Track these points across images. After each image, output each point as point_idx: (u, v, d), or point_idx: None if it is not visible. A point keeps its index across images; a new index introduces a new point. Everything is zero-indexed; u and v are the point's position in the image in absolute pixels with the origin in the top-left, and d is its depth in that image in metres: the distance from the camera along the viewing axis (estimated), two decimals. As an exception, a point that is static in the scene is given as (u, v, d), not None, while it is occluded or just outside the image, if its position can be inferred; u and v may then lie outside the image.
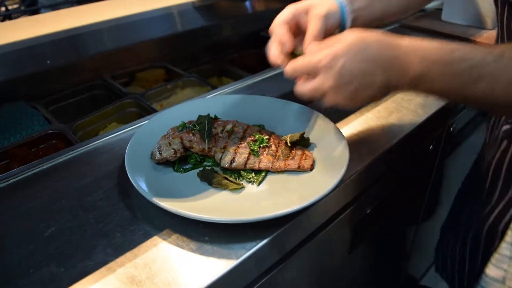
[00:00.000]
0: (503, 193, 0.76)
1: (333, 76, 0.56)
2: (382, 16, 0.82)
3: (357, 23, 0.74)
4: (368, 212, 0.84)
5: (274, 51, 0.67)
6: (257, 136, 0.69)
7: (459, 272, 0.87)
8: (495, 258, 0.74)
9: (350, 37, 0.57)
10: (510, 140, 0.74)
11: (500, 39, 0.74)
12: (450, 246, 0.89)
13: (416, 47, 0.56)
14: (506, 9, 0.69)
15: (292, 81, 0.99)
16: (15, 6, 1.85)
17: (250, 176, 0.65)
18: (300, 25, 0.71)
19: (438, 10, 1.37)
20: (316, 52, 0.58)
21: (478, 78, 0.52)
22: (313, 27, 0.67)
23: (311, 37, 0.66)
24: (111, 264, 0.53)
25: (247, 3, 1.47)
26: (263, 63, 1.18)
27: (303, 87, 0.60)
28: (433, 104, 0.89)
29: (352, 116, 0.84)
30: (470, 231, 0.83)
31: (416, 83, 0.56)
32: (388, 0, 0.80)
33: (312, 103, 0.81)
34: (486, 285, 0.76)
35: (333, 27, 0.71)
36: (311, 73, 0.59)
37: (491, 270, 0.74)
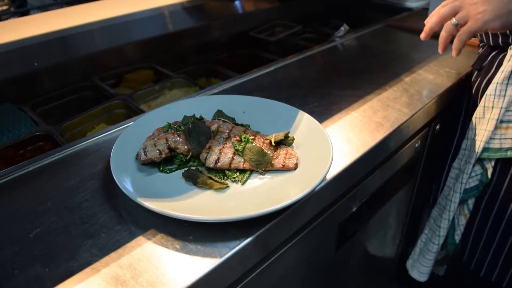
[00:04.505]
0: None
1: None
2: None
3: None
4: (354, 210, 0.85)
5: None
6: (242, 136, 0.70)
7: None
8: None
9: None
10: None
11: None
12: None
13: None
14: None
15: (275, 82, 1.00)
16: (5, 7, 1.84)
17: (235, 175, 0.66)
18: None
19: (425, 10, 1.39)
20: None
21: None
22: None
23: None
24: (96, 264, 0.53)
25: (236, 4, 1.48)
26: (252, 63, 1.19)
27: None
28: (418, 103, 0.90)
29: (337, 115, 0.85)
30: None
31: None
32: None
33: (298, 104, 0.82)
34: None
35: None
36: None
37: None
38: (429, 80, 1.00)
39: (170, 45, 1.32)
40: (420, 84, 0.99)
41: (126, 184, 0.61)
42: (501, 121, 0.84)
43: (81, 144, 0.77)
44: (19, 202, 0.64)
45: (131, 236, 0.57)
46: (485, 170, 0.89)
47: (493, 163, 0.88)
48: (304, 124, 0.76)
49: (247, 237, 0.57)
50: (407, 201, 1.18)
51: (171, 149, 0.68)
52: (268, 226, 0.59)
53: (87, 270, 0.53)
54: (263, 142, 0.70)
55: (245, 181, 0.65)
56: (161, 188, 0.63)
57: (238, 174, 0.66)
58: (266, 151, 0.68)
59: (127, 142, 0.71)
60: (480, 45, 1.00)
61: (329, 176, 0.68)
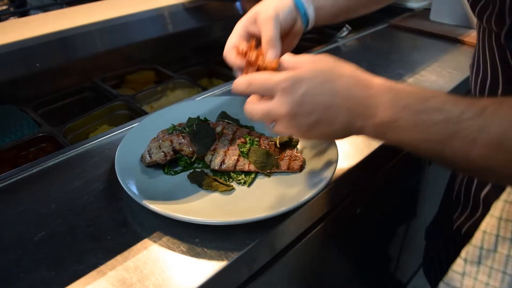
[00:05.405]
0: (474, 209, 0.72)
1: (291, 103, 0.49)
2: (347, 8, 0.75)
3: (320, 16, 0.69)
4: (358, 212, 0.85)
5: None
6: (247, 138, 0.70)
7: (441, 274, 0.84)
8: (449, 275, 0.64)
9: (322, 62, 0.51)
10: None
11: (476, 53, 0.68)
12: (435, 249, 0.88)
13: (388, 89, 0.49)
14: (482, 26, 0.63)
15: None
16: (4, 7, 1.83)
17: (240, 177, 0.65)
18: (256, 36, 0.64)
19: (427, 10, 1.39)
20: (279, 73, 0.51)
21: (453, 135, 0.44)
22: (265, 33, 0.60)
23: (267, 44, 0.60)
24: (102, 268, 0.53)
25: (237, 4, 1.47)
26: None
27: (254, 107, 0.53)
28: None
29: (341, 117, 0.85)
30: (450, 237, 0.81)
31: (383, 131, 0.49)
32: None
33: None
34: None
35: (289, 25, 0.65)
36: (267, 93, 0.52)
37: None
38: (432, 81, 1.00)
39: (172, 46, 1.32)
40: (423, 85, 0.98)
41: (131, 187, 0.61)
42: None
43: (85, 145, 0.77)
44: (23, 205, 0.63)
45: (137, 239, 0.57)
46: None
47: None
48: (308, 125, 0.76)
49: (253, 239, 0.57)
50: (409, 203, 1.18)
51: (176, 151, 0.67)
52: (274, 229, 0.59)
53: (93, 273, 0.52)
54: (268, 144, 0.69)
55: (251, 183, 0.65)
56: (166, 190, 0.63)
57: (243, 176, 0.66)
58: (271, 153, 0.67)
59: (132, 144, 0.71)
60: None
61: (334, 177, 0.68)
